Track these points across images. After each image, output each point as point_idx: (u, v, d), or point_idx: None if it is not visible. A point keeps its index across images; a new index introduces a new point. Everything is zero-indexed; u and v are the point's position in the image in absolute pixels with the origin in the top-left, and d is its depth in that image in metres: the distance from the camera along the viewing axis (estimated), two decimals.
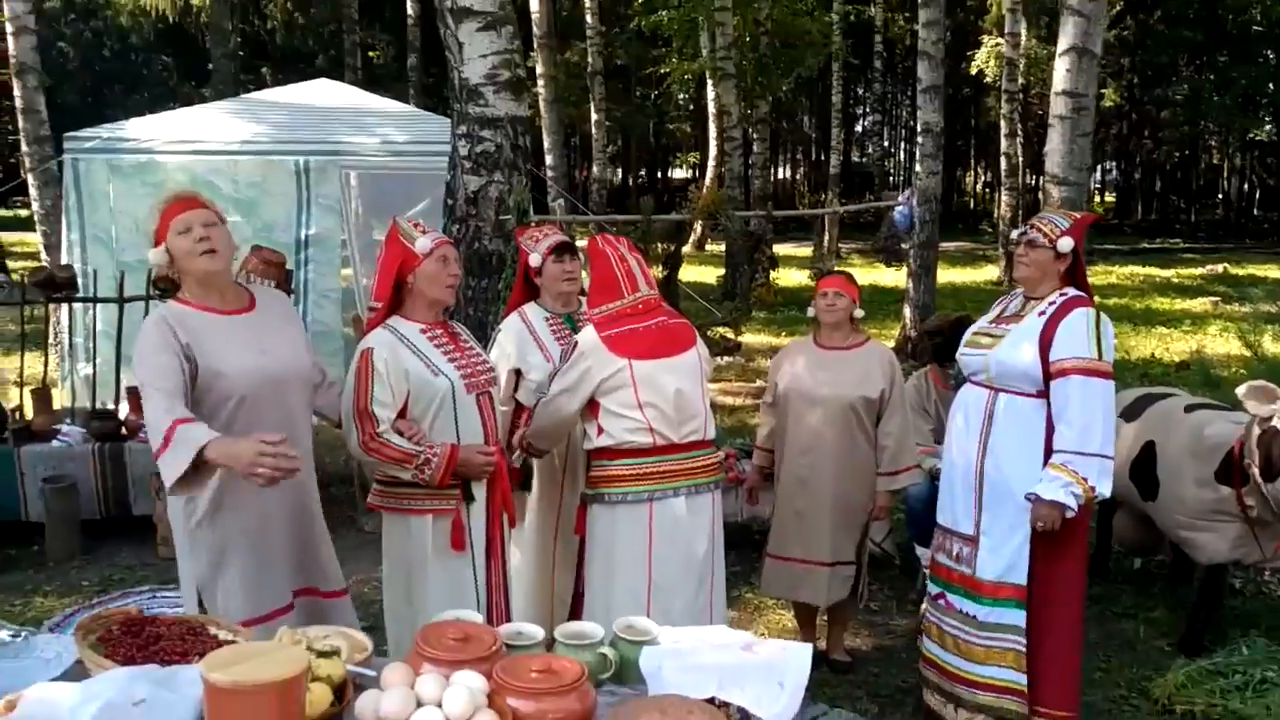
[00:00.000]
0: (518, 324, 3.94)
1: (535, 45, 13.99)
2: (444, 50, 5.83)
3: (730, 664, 1.85)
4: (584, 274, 3.73)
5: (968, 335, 3.78)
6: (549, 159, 14.72)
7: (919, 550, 5.11)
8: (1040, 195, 8.78)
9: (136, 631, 1.91)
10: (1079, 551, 3.59)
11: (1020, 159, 18.20)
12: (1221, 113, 27.62)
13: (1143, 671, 4.33)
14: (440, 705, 1.62)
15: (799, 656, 1.89)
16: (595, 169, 18.59)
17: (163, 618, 2.02)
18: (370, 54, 26.79)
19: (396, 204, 10.51)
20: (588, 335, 3.43)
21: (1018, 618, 3.52)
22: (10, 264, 15.63)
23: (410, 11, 21.09)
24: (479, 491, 3.26)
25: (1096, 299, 3.68)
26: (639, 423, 3.34)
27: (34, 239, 20.15)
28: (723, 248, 13.54)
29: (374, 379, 3.08)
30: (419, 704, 1.62)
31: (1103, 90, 10.29)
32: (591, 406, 3.41)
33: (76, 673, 1.92)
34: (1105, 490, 3.37)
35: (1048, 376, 3.41)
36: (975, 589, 3.61)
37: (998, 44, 19.65)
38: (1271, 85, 28.08)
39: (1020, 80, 17.58)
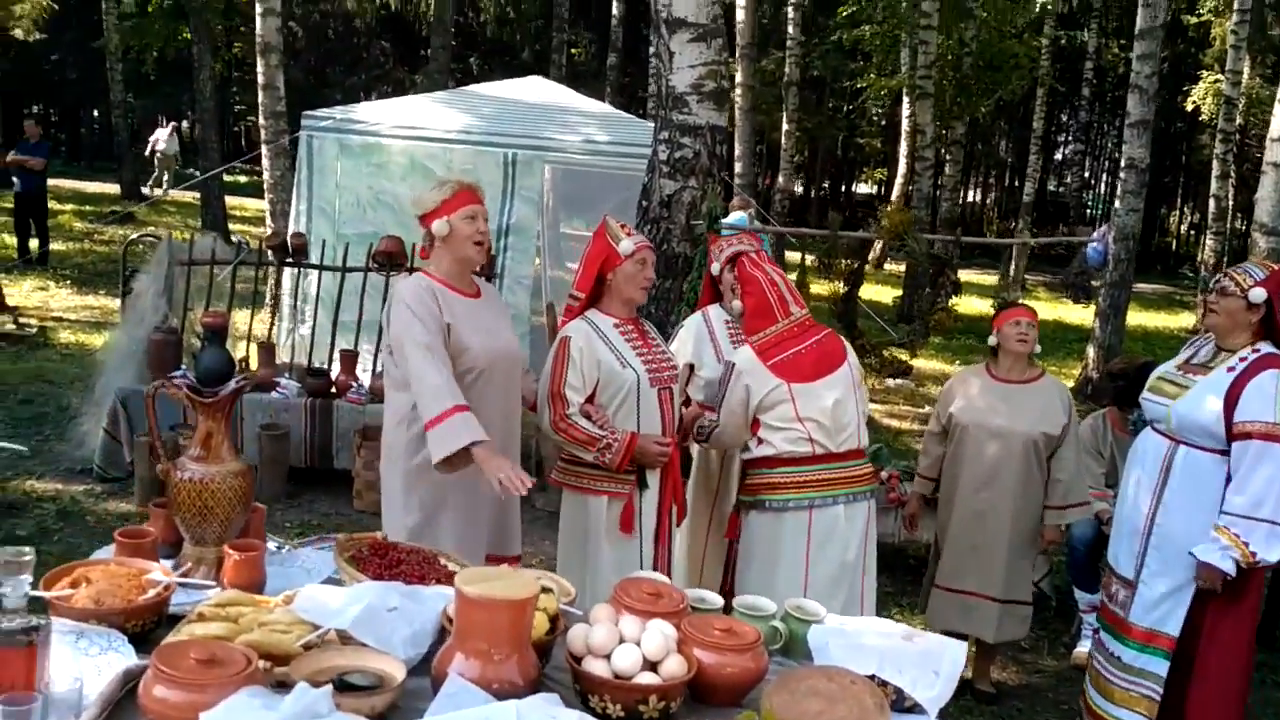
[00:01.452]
0: (699, 323, 4.19)
1: (737, 55, 14.19)
2: (652, 56, 6.07)
3: (891, 649, 2.02)
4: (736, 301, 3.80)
5: (1153, 379, 3.73)
6: (738, 166, 14.90)
7: (1078, 594, 5.07)
8: (1247, 243, 8.40)
9: (382, 554, 2.25)
10: (1245, 616, 3.51)
11: (1230, 202, 17.27)
12: None
13: None
14: (639, 644, 1.86)
15: (955, 651, 2.05)
16: (781, 179, 18.63)
17: (402, 545, 2.36)
18: (573, 51, 27.57)
19: (585, 200, 10.95)
20: (745, 357, 3.53)
21: (1160, 666, 3.51)
22: (231, 226, 16.97)
23: (615, 12, 21.62)
24: (652, 480, 3.50)
25: None
26: (800, 433, 3.45)
27: (250, 204, 21.95)
28: (902, 268, 13.44)
29: (569, 365, 3.35)
30: (621, 640, 1.86)
31: None
32: (752, 423, 3.53)
33: (331, 582, 2.27)
34: (1271, 558, 3.30)
35: (1230, 435, 3.37)
36: (1125, 631, 3.61)
37: (1217, 80, 18.67)
38: None
39: (1238, 120, 16.68)
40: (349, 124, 8.41)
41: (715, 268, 4.17)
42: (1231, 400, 3.36)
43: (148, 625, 1.96)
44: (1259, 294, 3.42)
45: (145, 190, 21.21)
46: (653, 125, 6.15)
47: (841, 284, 5.83)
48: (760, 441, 3.51)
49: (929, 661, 1.98)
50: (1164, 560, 3.51)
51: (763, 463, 3.52)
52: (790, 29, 17.06)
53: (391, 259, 6.53)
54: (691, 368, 4.03)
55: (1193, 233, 36.33)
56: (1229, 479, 3.39)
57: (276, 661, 1.77)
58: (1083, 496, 4.39)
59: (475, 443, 2.87)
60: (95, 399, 6.41)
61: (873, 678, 1.93)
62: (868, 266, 6.33)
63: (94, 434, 6.28)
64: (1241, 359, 3.44)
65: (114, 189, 21.27)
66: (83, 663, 1.73)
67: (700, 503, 4.12)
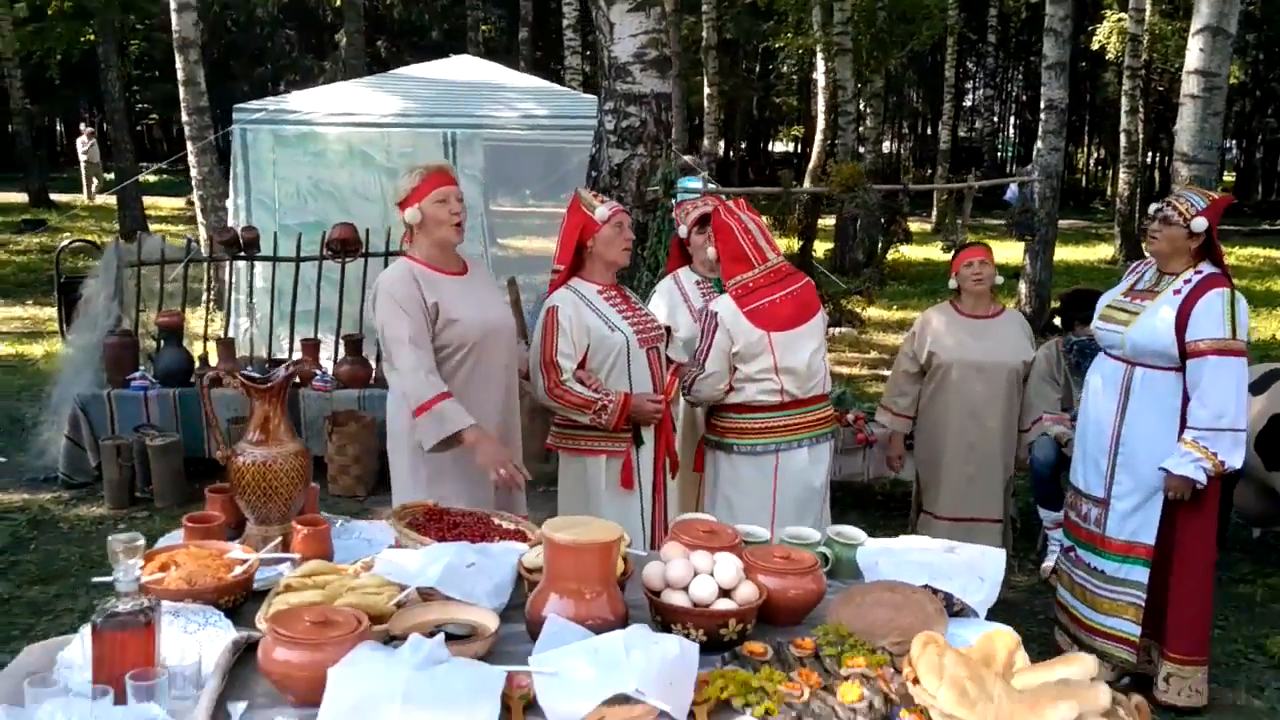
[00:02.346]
0: (670, 286, 4.30)
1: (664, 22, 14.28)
2: (593, 30, 6.12)
3: (937, 561, 2.19)
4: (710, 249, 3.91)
5: (1101, 308, 3.93)
6: (673, 132, 15.05)
7: (1042, 512, 5.32)
8: (1168, 173, 8.75)
9: (438, 519, 2.34)
10: (1210, 515, 3.76)
11: (1140, 136, 17.84)
12: None
13: (1260, 630, 4.51)
14: (712, 574, 1.99)
15: (995, 558, 2.22)
16: (706, 142, 18.79)
17: (454, 509, 2.45)
18: (483, 27, 27.32)
19: (513, 179, 10.98)
20: (725, 306, 3.64)
21: (1142, 575, 3.75)
22: (152, 227, 16.58)
23: None
24: (647, 436, 3.63)
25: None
26: (774, 384, 3.61)
27: (165, 203, 21.44)
28: (831, 222, 13.67)
29: (559, 333, 3.44)
30: (695, 573, 1.99)
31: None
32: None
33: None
34: (1236, 463, 3.55)
35: (1184, 354, 3.58)
36: (1103, 545, 3.84)
37: (1120, 19, 19.23)
38: None
39: (1143, 56, 17.22)
40: (283, 114, 8.33)
41: (683, 230, 4.28)
42: (1182, 321, 3.57)
43: (238, 600, 2.03)
44: (1200, 223, 3.62)
45: (85, 199, 20.80)
46: (594, 97, 6.22)
47: (796, 239, 5.98)
48: (732, 389, 3.65)
49: (973, 569, 2.15)
50: (1133, 475, 3.73)
51: (732, 408, 3.68)
52: None
53: (345, 246, 6.53)
54: (669, 331, 4.14)
55: (1100, 168, 37.39)
56: (1185, 395, 3.62)
57: (373, 621, 1.86)
58: (1036, 414, 4.73)
59: (464, 429, 3.00)
60: (53, 407, 6.33)
61: (925, 588, 2.09)
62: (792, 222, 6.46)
63: (55, 441, 6.21)
64: (1186, 281, 3.65)
65: (21, 198, 20.62)
66: (184, 640, 1.80)
67: (689, 455, 4.26)
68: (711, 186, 6.66)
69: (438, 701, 1.58)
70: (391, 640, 1.82)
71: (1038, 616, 4.70)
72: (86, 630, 1.79)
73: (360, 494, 6.00)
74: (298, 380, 6.31)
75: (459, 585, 1.96)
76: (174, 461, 5.89)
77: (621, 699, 1.66)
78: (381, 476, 5.84)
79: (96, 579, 2.02)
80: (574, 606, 1.86)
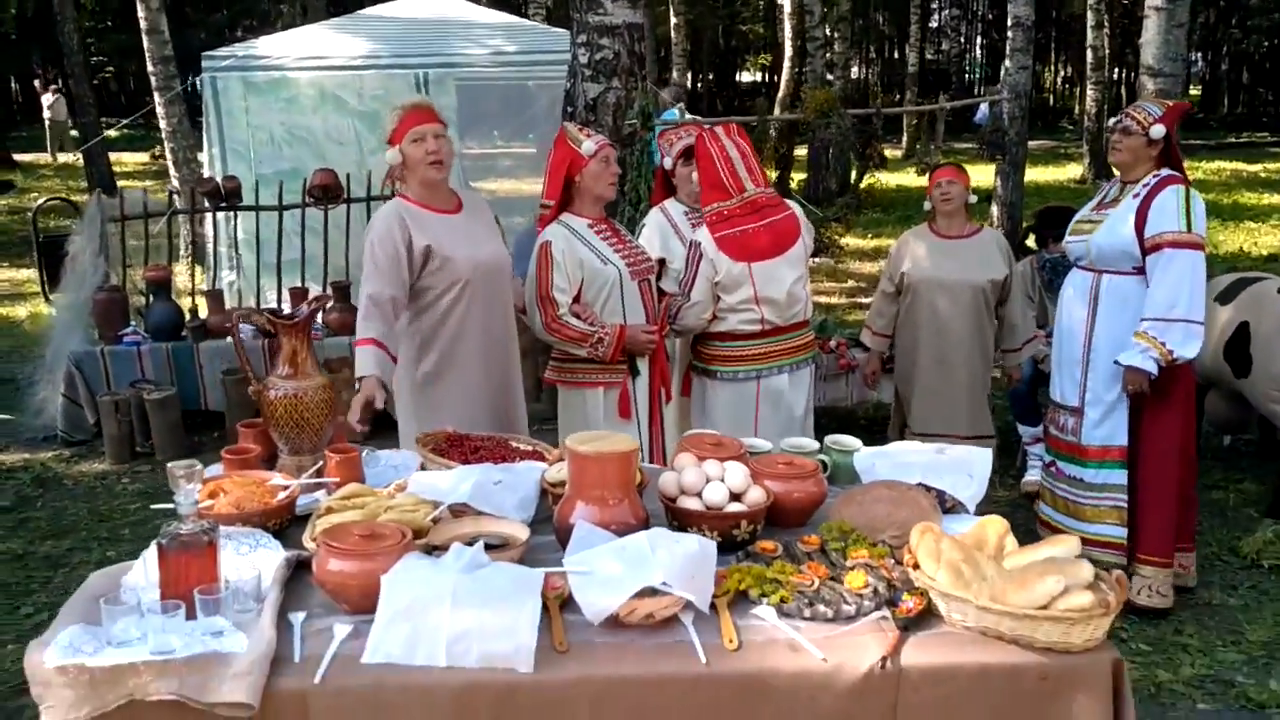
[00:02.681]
0: (659, 218, 4.37)
1: None
2: None
3: (929, 461, 2.37)
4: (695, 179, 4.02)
5: (1073, 223, 4.06)
6: (645, 64, 14.97)
7: (1021, 428, 5.51)
8: (1134, 88, 8.83)
9: (459, 444, 2.49)
10: (1177, 410, 3.85)
11: (1106, 52, 17.88)
12: None
13: (1233, 533, 4.71)
14: (723, 481, 2.15)
15: (983, 457, 2.40)
16: (674, 73, 18.70)
17: (474, 435, 2.59)
18: None
19: (482, 120, 10.92)
20: (706, 240, 3.76)
21: (1121, 477, 3.88)
22: (120, 183, 16.39)
23: None
24: (642, 366, 3.75)
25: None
26: (754, 314, 3.75)
27: (129, 158, 21.15)
28: (803, 152, 13.74)
29: (553, 268, 3.52)
30: (708, 480, 2.14)
31: None
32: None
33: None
34: (1187, 354, 3.63)
35: (1144, 251, 3.70)
36: (1081, 454, 3.97)
37: None
38: None
39: None
40: (252, 60, 8.26)
41: (668, 162, 4.35)
42: (1141, 220, 3.70)
43: (283, 524, 2.18)
44: (1159, 130, 3.75)
45: (50, 158, 20.42)
46: (561, 30, 6.20)
47: (773, 169, 6.10)
48: (715, 317, 3.78)
49: (962, 467, 2.32)
50: (1103, 380, 3.87)
51: (715, 336, 3.83)
52: None
53: (327, 192, 6.57)
54: (663, 262, 4.25)
55: (1067, 86, 37.39)
56: None
57: (413, 536, 2.00)
58: (1028, 333, 4.83)
59: (363, 375, 3.09)
60: (47, 365, 6.39)
61: (919, 485, 2.25)
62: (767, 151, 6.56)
63: (52, 400, 6.28)
64: (1144, 185, 3.78)
65: None
66: (238, 560, 1.94)
67: (678, 381, 4.39)
68: (691, 117, 6.72)
69: (485, 601, 1.74)
70: (433, 551, 1.97)
71: (1018, 529, 4.89)
72: (148, 554, 1.92)
73: (355, 438, 6.12)
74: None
75: (489, 500, 2.11)
76: (172, 415, 5.99)
77: (649, 592, 1.81)
78: (376, 421, 5.96)
79: (156, 506, 2.15)
80: (599, 512, 2.02)
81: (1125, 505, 3.89)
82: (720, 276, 3.72)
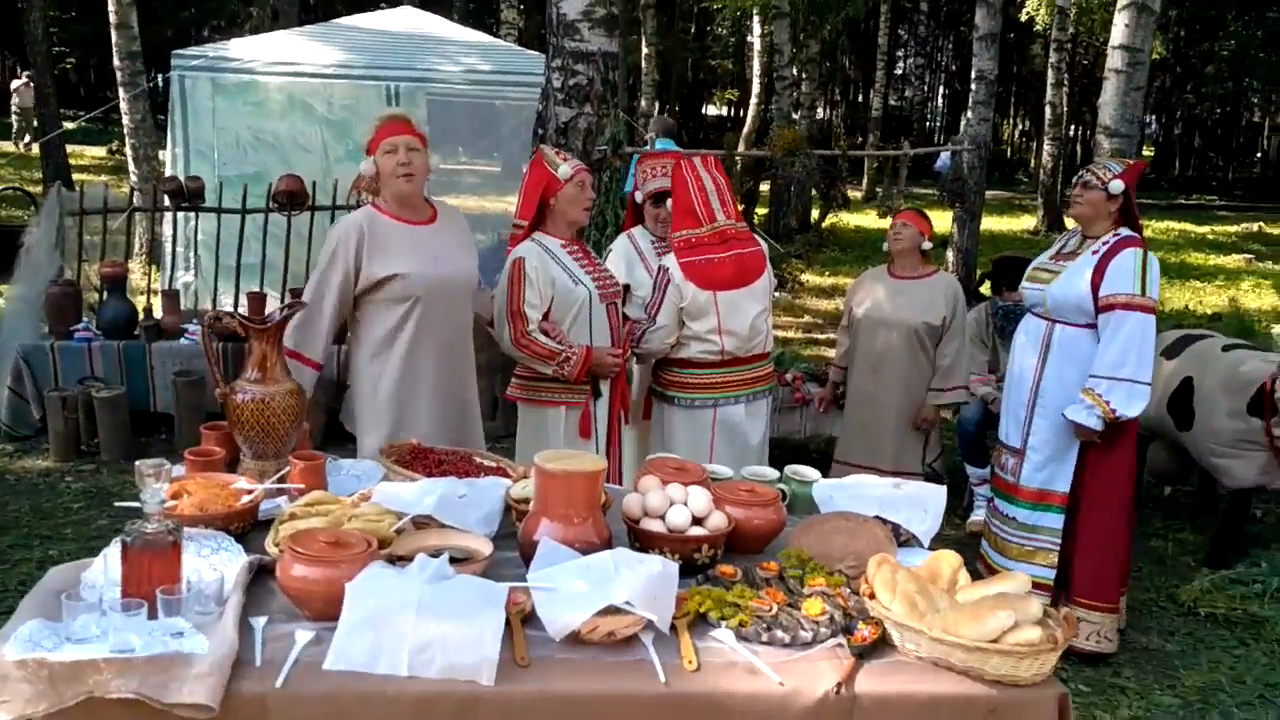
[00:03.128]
0: (626, 245, 4.42)
1: None
2: None
3: (885, 495, 2.42)
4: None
5: (1030, 269, 4.17)
6: (618, 92, 15.06)
7: (969, 469, 5.61)
8: (1090, 146, 9.07)
9: (423, 457, 2.49)
10: (1122, 460, 3.96)
11: (1064, 109, 18.33)
12: (1266, 70, 27.39)
13: (1171, 581, 4.83)
14: (686, 504, 2.18)
15: (937, 494, 2.46)
16: (643, 102, 18.85)
17: (437, 449, 2.60)
18: None
19: (459, 134, 10.94)
20: (674, 266, 3.81)
21: (1055, 521, 3.98)
22: (75, 177, 16.12)
23: None
24: (604, 388, 3.78)
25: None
26: (714, 345, 3.81)
27: (88, 151, 20.81)
28: (765, 188, 13.91)
29: (525, 284, 3.53)
30: (671, 503, 2.17)
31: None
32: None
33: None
34: (1130, 413, 3.74)
35: (1097, 309, 3.81)
36: (1017, 494, 4.08)
37: None
38: None
39: (1070, 29, 17.66)
40: (223, 62, 8.23)
41: (639, 195, 4.39)
42: (1097, 278, 3.80)
43: (245, 528, 2.17)
44: (1118, 185, 3.87)
45: (12, 146, 20.02)
46: (535, 53, 6.24)
47: (739, 203, 6.16)
48: (679, 343, 3.84)
49: (918, 503, 2.38)
50: (1048, 426, 3.96)
51: (675, 363, 3.89)
52: None
53: (293, 198, 6.53)
54: (627, 288, 4.29)
55: (1024, 140, 38.21)
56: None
57: (377, 546, 2.01)
58: (961, 381, 4.93)
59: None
60: None
61: (876, 518, 2.30)
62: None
63: None
64: (1104, 243, 3.89)
65: None
66: (199, 563, 1.93)
67: (638, 405, 4.42)
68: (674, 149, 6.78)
69: (448, 612, 1.75)
70: (396, 561, 1.98)
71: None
72: (109, 552, 1.91)
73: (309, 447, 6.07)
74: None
75: (453, 514, 2.12)
76: (120, 414, 5.90)
77: (611, 610, 1.84)
78: (329, 430, 5.91)
79: (120, 504, 2.13)
80: (564, 530, 2.04)
81: (1056, 549, 3.99)
82: (686, 303, 3.77)
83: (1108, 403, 3.72)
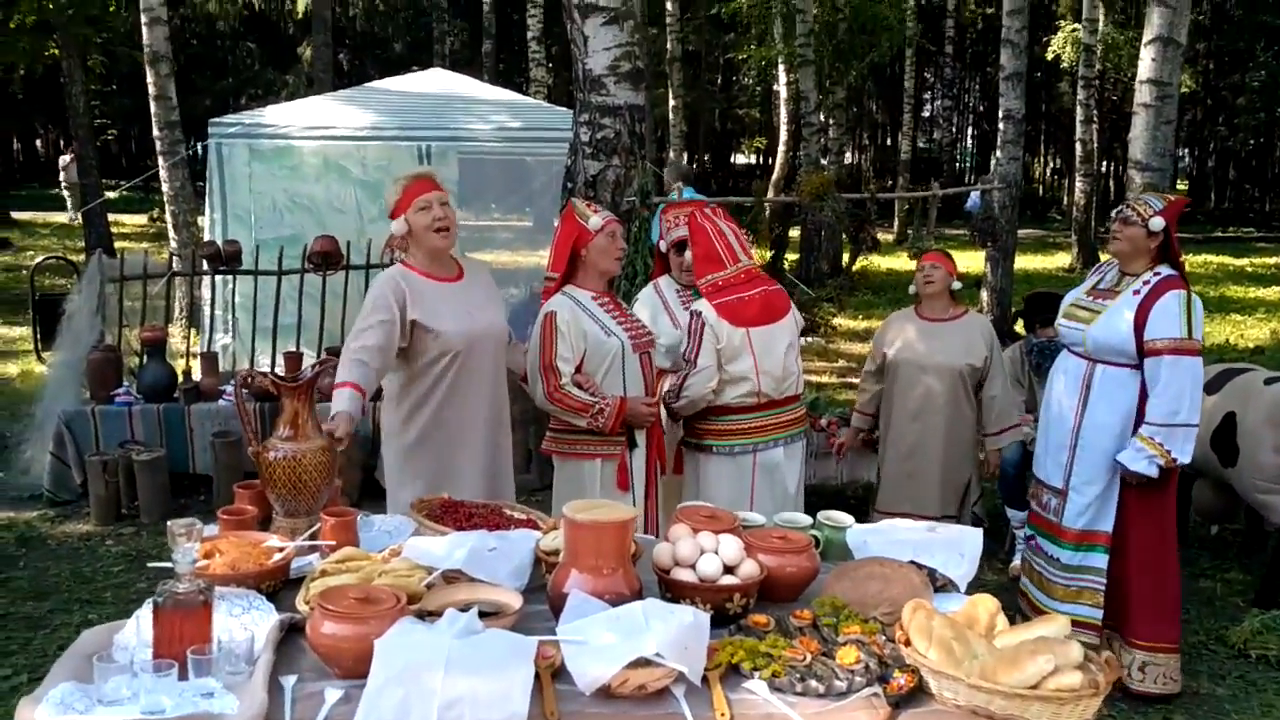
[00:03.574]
0: (651, 295, 4.44)
1: None
2: (557, 41, 6.28)
3: (920, 540, 2.39)
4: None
5: (1065, 306, 4.12)
6: (645, 144, 15.23)
7: (1010, 512, 5.52)
8: (1122, 182, 9.02)
9: (454, 510, 2.50)
10: (1164, 504, 3.94)
11: (1095, 145, 18.28)
12: None
13: (1220, 622, 4.70)
14: (717, 553, 2.16)
15: (973, 537, 2.42)
16: (671, 153, 19.03)
17: (468, 502, 2.61)
18: (447, 39, 27.43)
19: (490, 191, 11.10)
20: (707, 310, 3.82)
21: (1100, 561, 3.92)
22: (116, 245, 16.48)
23: None
24: (640, 438, 3.76)
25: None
26: (752, 385, 3.79)
27: (127, 220, 21.31)
28: (796, 234, 13.95)
29: (557, 338, 3.55)
30: (702, 552, 2.15)
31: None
32: None
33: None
34: (1185, 458, 3.74)
35: (1141, 352, 3.77)
36: (1060, 535, 4.01)
37: (1075, 29, 19.69)
38: None
39: (1097, 66, 17.66)
40: (257, 128, 8.43)
41: (663, 245, 4.42)
42: (1140, 321, 3.76)
43: (277, 587, 2.18)
44: (1158, 222, 3.83)
45: (59, 218, 20.65)
46: (563, 109, 6.34)
47: (768, 249, 6.20)
48: (717, 388, 3.81)
49: (954, 547, 2.35)
50: (1090, 467, 3.91)
51: (711, 411, 3.85)
52: (669, 4, 17.38)
53: (328, 259, 6.64)
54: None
55: (1056, 177, 38.08)
56: (1142, 390, 3.81)
57: (407, 601, 2.00)
58: (1013, 419, 4.85)
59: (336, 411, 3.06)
60: (37, 424, 6.37)
61: (911, 563, 2.27)
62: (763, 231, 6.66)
63: (40, 459, 6.24)
64: (1145, 282, 3.85)
65: None
66: (230, 622, 1.94)
67: (669, 459, 4.41)
68: (699, 196, 6.83)
69: (477, 668, 1.74)
70: (426, 617, 1.97)
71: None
72: (142, 613, 1.92)
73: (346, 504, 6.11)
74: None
75: (483, 568, 2.12)
76: (159, 476, 5.96)
77: (642, 662, 1.82)
78: (365, 487, 5.94)
79: (153, 565, 2.15)
80: (593, 581, 2.02)
81: (1102, 588, 3.93)
82: (722, 344, 3.77)
83: (1168, 450, 3.71)
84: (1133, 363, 3.81)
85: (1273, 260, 19.87)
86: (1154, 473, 3.72)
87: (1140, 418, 3.80)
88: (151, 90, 10.51)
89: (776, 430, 3.87)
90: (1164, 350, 3.72)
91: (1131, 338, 3.78)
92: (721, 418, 3.85)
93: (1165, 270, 3.88)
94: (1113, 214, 4.08)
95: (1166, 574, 3.97)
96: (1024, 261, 18.08)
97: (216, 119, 8.47)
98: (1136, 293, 3.83)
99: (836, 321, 11.56)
